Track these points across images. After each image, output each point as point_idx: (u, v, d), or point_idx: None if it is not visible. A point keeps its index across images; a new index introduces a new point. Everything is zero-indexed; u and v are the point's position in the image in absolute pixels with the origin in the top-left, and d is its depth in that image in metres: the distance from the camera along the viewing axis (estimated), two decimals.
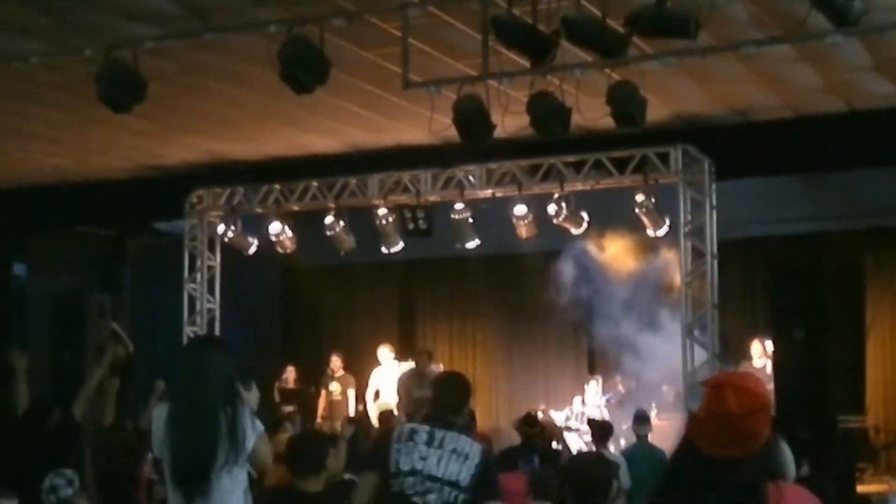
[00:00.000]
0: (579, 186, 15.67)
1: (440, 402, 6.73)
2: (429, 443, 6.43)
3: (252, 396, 6.20)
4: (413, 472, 6.37)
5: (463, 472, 6.34)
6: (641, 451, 12.85)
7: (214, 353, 6.30)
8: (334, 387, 18.92)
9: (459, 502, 6.30)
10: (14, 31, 11.26)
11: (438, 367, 17.70)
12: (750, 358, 16.33)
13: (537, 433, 13.38)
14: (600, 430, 13.32)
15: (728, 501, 3.45)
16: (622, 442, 15.48)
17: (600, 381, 17.38)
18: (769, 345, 15.11)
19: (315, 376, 19.27)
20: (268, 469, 6.47)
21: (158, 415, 6.26)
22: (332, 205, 17.02)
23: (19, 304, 19.36)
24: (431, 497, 6.30)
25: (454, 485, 6.31)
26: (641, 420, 13.46)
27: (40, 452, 10.13)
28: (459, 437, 6.46)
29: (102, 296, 20.06)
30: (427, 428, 6.49)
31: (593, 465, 6.18)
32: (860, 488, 14.02)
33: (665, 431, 13.83)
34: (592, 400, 17.12)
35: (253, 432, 6.12)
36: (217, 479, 6.00)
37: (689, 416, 3.56)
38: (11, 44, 11.40)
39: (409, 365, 17.90)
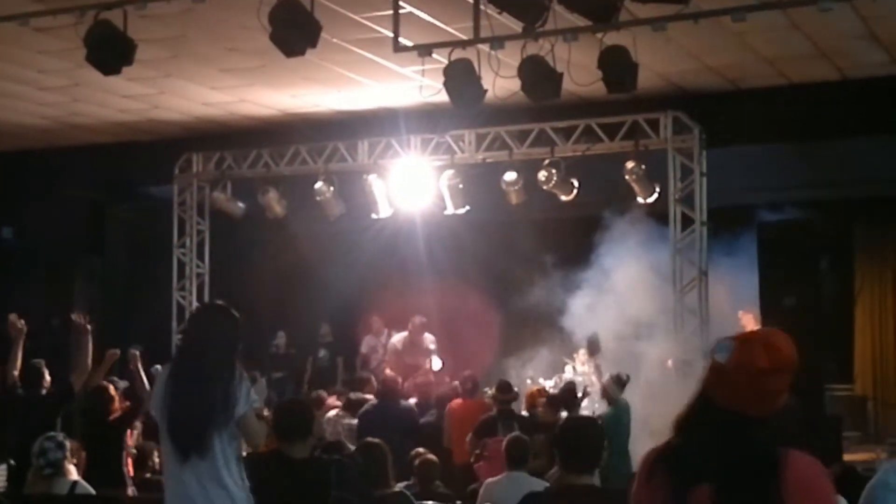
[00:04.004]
0: (570, 152, 15.65)
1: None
2: None
3: (260, 389, 6.34)
4: None
5: None
6: (621, 411, 12.97)
7: (219, 319, 6.45)
8: (322, 353, 18.94)
9: None
10: None
11: (431, 337, 17.73)
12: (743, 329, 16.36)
13: (512, 399, 13.43)
14: (566, 397, 13.41)
15: (743, 460, 3.43)
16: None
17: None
18: (758, 314, 15.13)
19: (306, 343, 19.27)
20: (259, 444, 6.53)
21: (161, 375, 6.44)
22: (321, 169, 16.99)
23: (8, 268, 19.33)
24: None
25: None
26: (621, 384, 13.52)
27: (32, 416, 10.13)
28: None
29: (91, 260, 20.10)
30: None
31: (586, 430, 6.17)
32: (847, 456, 14.04)
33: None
34: (581, 368, 17.10)
35: (245, 403, 6.20)
36: (213, 443, 6.10)
37: (712, 368, 3.54)
38: (1, 4, 11.32)
39: (402, 333, 17.94)
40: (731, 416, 3.48)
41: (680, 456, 3.55)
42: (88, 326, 10.62)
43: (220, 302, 6.55)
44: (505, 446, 9.44)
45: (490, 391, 14.12)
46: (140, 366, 11.11)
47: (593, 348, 14.83)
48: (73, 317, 10.85)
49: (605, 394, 13.50)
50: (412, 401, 14.83)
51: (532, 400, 13.48)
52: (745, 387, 3.47)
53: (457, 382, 14.75)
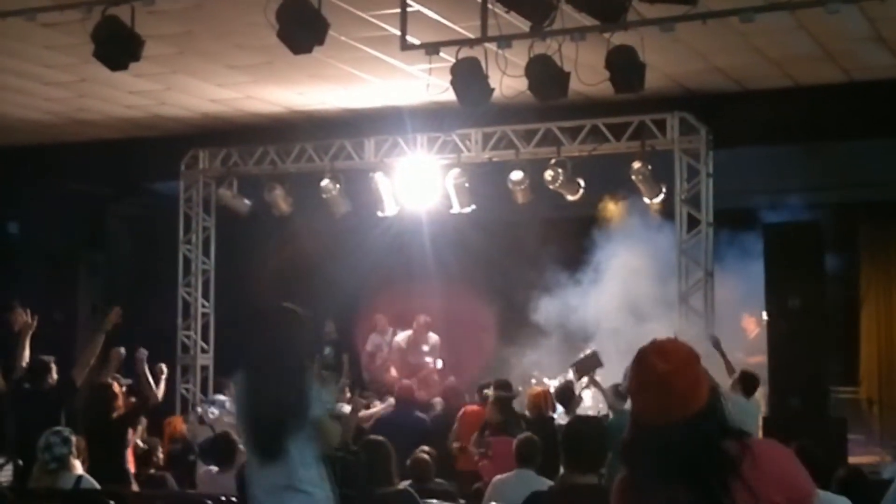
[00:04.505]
0: (576, 152, 15.65)
1: None
2: None
3: (331, 391, 6.53)
4: None
5: None
6: (624, 423, 12.97)
7: (292, 323, 6.57)
8: (327, 350, 18.92)
9: None
10: None
11: (435, 336, 17.76)
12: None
13: (511, 398, 13.49)
14: (564, 396, 13.42)
15: (684, 465, 3.44)
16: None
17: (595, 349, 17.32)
18: (763, 315, 15.12)
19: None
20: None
21: (238, 380, 6.67)
22: (327, 167, 17.00)
23: (13, 263, 19.34)
24: None
25: None
26: (619, 394, 13.52)
27: (36, 411, 10.14)
28: None
29: (96, 255, 20.10)
30: None
31: (590, 430, 6.18)
32: (852, 459, 14.02)
33: None
34: None
35: (319, 406, 6.35)
36: (288, 446, 6.25)
37: (629, 395, 3.62)
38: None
39: (406, 332, 17.98)
40: (661, 429, 3.49)
41: (635, 485, 3.59)
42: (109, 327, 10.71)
43: (289, 305, 6.64)
44: (515, 445, 9.46)
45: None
46: (146, 367, 11.15)
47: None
48: (112, 314, 10.88)
49: (609, 405, 13.56)
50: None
51: (534, 400, 13.49)
52: (657, 397, 3.51)
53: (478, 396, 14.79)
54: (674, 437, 3.47)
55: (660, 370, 3.50)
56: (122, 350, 11.21)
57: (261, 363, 6.48)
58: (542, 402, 13.47)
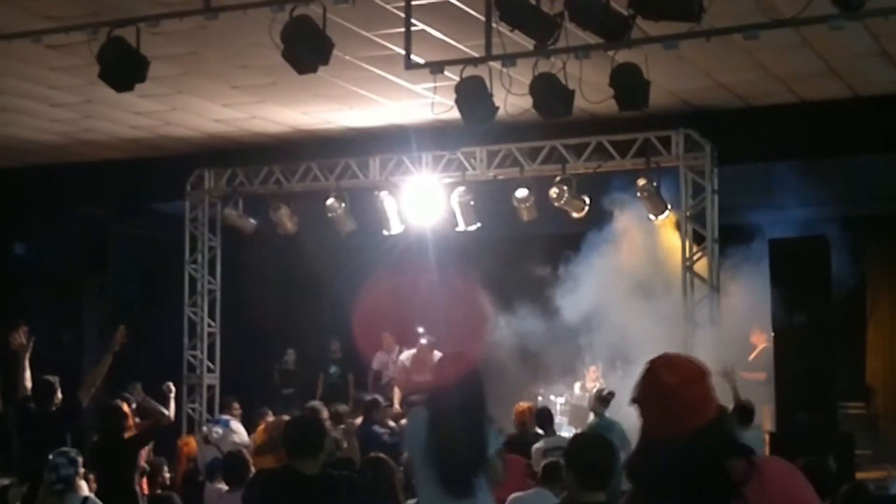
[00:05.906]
0: (581, 169, 15.67)
1: None
2: None
3: (500, 432, 7.01)
4: None
5: None
6: (603, 426, 13.02)
7: (470, 367, 6.86)
8: (333, 370, 18.93)
9: None
10: (17, 8, 11.24)
11: (440, 355, 17.73)
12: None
13: None
14: (542, 418, 13.42)
15: (686, 481, 3.43)
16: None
17: (600, 366, 17.34)
18: (770, 332, 15.08)
19: (315, 359, 19.25)
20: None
21: (415, 417, 6.93)
22: (332, 186, 17.02)
23: (20, 283, 19.36)
24: None
25: None
26: (602, 400, 13.52)
27: (42, 432, 10.12)
28: None
29: (102, 276, 20.13)
30: None
31: (597, 448, 6.15)
32: (859, 475, 13.98)
33: None
34: (591, 385, 17.09)
35: (494, 445, 6.71)
36: (475, 483, 6.60)
37: (637, 407, 3.58)
38: (15, 21, 11.36)
39: (410, 351, 17.96)
40: (666, 442, 3.47)
41: (641, 500, 3.58)
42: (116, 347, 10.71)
43: (461, 350, 7.00)
44: (542, 466, 9.58)
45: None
46: (142, 397, 11.15)
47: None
48: (118, 334, 10.87)
49: (592, 408, 13.67)
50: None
51: (519, 417, 13.48)
52: (665, 408, 3.49)
53: None
54: (677, 451, 3.44)
55: (666, 382, 3.48)
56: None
57: (447, 406, 6.68)
58: (527, 419, 13.46)
